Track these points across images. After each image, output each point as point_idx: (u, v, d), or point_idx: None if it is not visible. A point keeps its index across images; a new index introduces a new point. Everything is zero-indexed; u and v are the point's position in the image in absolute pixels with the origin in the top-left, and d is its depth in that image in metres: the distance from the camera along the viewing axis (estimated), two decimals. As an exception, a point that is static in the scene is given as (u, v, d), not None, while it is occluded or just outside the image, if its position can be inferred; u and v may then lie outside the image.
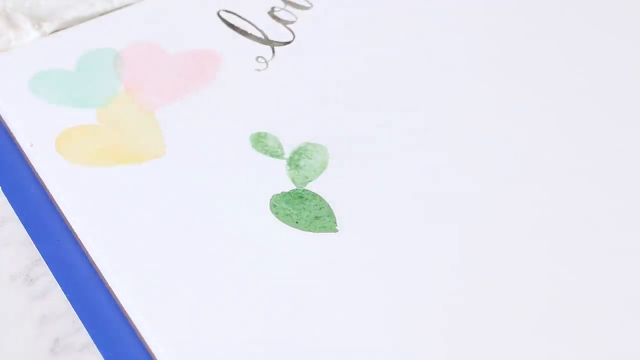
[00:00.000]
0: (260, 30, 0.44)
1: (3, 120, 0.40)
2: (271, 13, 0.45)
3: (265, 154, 0.38)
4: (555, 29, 0.44)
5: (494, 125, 0.39)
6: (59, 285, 0.35)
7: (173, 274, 0.34)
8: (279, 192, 0.37)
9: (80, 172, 0.38)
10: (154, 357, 0.32)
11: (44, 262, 0.36)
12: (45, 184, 0.38)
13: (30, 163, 0.39)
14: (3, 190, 0.38)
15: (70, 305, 0.34)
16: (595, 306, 0.33)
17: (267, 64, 0.43)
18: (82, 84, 0.41)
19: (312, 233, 0.36)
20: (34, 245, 0.36)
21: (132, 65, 0.42)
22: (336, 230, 0.36)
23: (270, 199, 0.37)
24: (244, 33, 0.44)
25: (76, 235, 0.36)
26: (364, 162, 0.38)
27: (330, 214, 0.36)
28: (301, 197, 0.37)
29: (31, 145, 0.39)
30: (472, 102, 0.40)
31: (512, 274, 0.34)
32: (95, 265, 0.35)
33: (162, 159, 0.38)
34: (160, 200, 0.37)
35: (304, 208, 0.36)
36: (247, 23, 0.45)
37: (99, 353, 0.33)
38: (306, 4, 0.46)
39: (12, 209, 0.38)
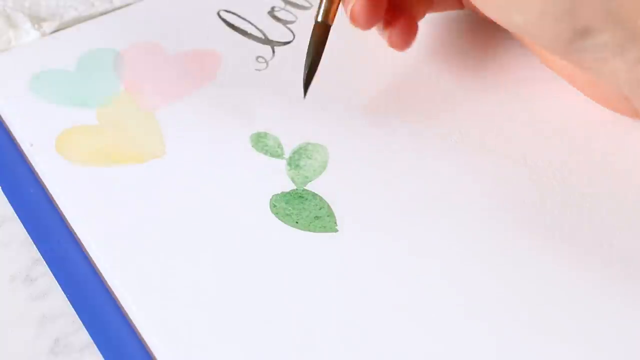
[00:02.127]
0: (260, 30, 0.44)
1: (3, 120, 0.40)
2: (271, 13, 0.45)
3: (265, 153, 0.38)
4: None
5: (495, 126, 0.39)
6: (59, 285, 0.35)
7: (173, 273, 0.34)
8: (279, 192, 0.37)
9: (80, 172, 0.38)
10: (154, 357, 0.33)
11: (44, 262, 0.36)
12: (45, 184, 0.38)
13: (30, 163, 0.39)
14: (3, 190, 0.38)
15: (70, 305, 0.34)
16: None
17: (267, 64, 0.43)
18: (82, 84, 0.41)
19: (312, 233, 0.36)
20: (34, 245, 0.36)
21: (132, 65, 0.42)
22: (336, 230, 0.36)
23: (270, 199, 0.37)
24: (244, 33, 0.44)
25: (76, 235, 0.36)
26: (364, 162, 0.38)
27: (330, 214, 0.36)
28: (301, 197, 0.37)
29: (31, 145, 0.39)
30: (472, 104, 0.40)
31: (512, 274, 0.34)
32: (95, 265, 0.35)
33: (162, 159, 0.38)
34: (160, 200, 0.37)
35: (304, 208, 0.36)
36: (247, 23, 0.45)
37: (99, 353, 0.33)
38: (306, 4, 0.46)
39: (12, 209, 0.38)
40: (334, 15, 0.39)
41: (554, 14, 0.33)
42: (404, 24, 0.39)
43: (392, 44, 0.39)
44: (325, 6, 0.39)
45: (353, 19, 0.38)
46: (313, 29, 0.39)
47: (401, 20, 0.39)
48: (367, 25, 0.38)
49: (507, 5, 0.34)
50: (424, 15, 0.41)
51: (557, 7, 0.33)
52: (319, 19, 0.39)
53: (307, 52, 0.39)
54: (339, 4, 0.39)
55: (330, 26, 0.39)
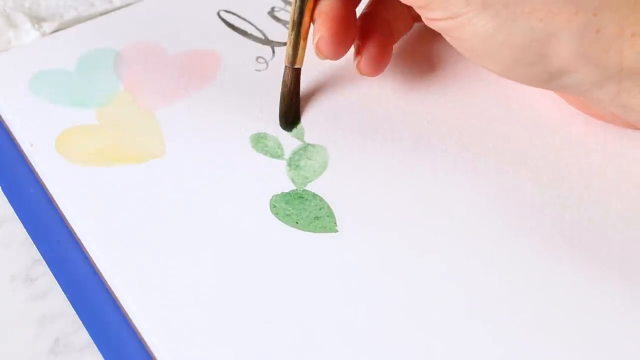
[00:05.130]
0: (260, 30, 0.44)
1: (3, 120, 0.40)
2: (271, 13, 0.45)
3: (265, 154, 0.38)
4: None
5: (494, 127, 0.39)
6: (59, 285, 0.35)
7: (173, 273, 0.34)
8: (279, 192, 0.37)
9: (80, 172, 0.38)
10: (154, 357, 0.33)
11: (44, 262, 0.36)
12: (45, 184, 0.38)
13: (30, 163, 0.39)
14: (3, 190, 0.38)
15: (70, 305, 0.34)
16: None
17: (267, 64, 0.43)
18: (82, 84, 0.41)
19: (312, 233, 0.36)
20: (34, 245, 0.36)
21: (132, 65, 0.42)
22: (336, 231, 0.36)
23: (270, 199, 0.37)
24: (244, 33, 0.44)
25: (76, 235, 0.36)
26: (364, 162, 0.38)
27: (330, 214, 0.36)
28: (301, 197, 0.37)
29: (31, 145, 0.39)
30: (472, 104, 0.40)
31: (512, 274, 0.34)
32: (95, 265, 0.35)
33: (162, 159, 0.38)
34: (160, 200, 0.37)
35: (304, 208, 0.36)
36: (247, 23, 0.45)
37: (99, 353, 0.33)
38: (306, 4, 0.46)
39: (12, 209, 0.38)
40: (302, 59, 0.39)
41: (526, 61, 0.34)
42: (374, 51, 0.38)
43: (362, 72, 0.39)
44: (291, 51, 0.38)
45: (319, 52, 0.38)
46: (284, 74, 0.39)
47: (371, 47, 0.38)
48: (335, 57, 0.38)
49: (484, 55, 0.35)
50: (409, 29, 0.41)
51: (529, 58, 0.34)
52: (287, 64, 0.39)
53: (281, 96, 0.39)
54: (305, 48, 0.38)
55: (300, 69, 0.39)
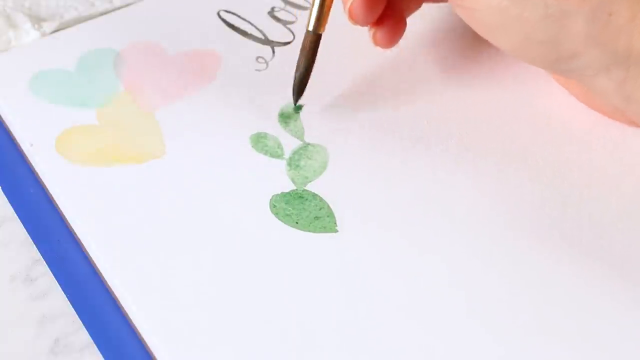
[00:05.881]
0: (260, 31, 0.44)
1: (3, 120, 0.40)
2: (271, 13, 0.45)
3: (265, 154, 0.38)
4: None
5: (495, 126, 0.39)
6: (59, 285, 0.35)
7: (173, 274, 0.34)
8: (279, 192, 0.37)
9: (80, 172, 0.38)
10: (154, 357, 0.33)
11: (44, 262, 0.36)
12: (45, 184, 0.38)
13: (30, 163, 0.39)
14: (3, 190, 0.38)
15: (70, 305, 0.34)
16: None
17: (267, 64, 0.43)
18: (82, 84, 0.41)
19: (312, 233, 0.36)
20: (34, 245, 0.36)
21: (132, 65, 0.42)
22: (336, 231, 0.36)
23: (270, 199, 0.37)
24: (244, 33, 0.44)
25: (76, 235, 0.36)
26: (364, 162, 0.38)
27: (330, 214, 0.36)
28: (301, 197, 0.37)
29: (31, 145, 0.39)
30: (473, 104, 0.40)
31: (513, 274, 0.34)
32: (95, 265, 0.35)
33: (162, 159, 0.38)
34: (160, 200, 0.37)
35: (304, 208, 0.36)
36: (247, 23, 0.45)
37: (99, 353, 0.33)
38: (306, 4, 0.46)
39: (12, 209, 0.38)
40: (325, 24, 0.39)
41: (538, 40, 0.34)
42: (390, 23, 0.39)
43: (377, 43, 0.39)
44: (316, 15, 0.39)
45: (351, 16, 0.38)
46: (304, 39, 0.39)
47: (387, 19, 0.39)
48: (366, 21, 0.38)
49: (494, 29, 0.35)
50: (418, 7, 0.41)
51: (540, 34, 0.34)
52: (310, 29, 0.39)
53: (298, 63, 0.39)
54: (329, 12, 0.39)
55: (321, 35, 0.39)
